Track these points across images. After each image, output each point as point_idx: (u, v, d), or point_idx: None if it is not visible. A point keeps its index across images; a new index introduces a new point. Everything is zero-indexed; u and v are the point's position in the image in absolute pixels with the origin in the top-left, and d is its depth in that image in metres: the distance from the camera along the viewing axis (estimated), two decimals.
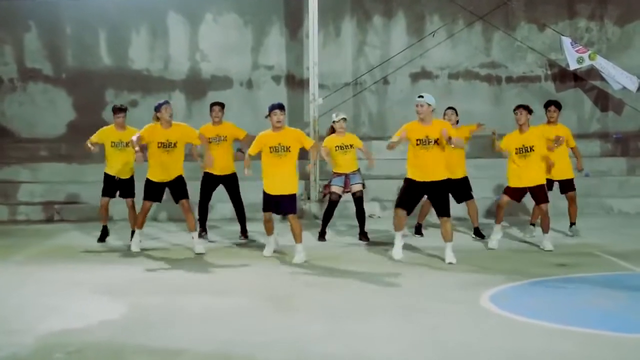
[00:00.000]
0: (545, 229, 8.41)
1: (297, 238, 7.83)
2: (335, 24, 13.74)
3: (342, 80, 13.43)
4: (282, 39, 13.74)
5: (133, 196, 9.05)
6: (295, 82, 13.72)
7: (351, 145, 9.03)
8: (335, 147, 9.01)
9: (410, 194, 7.72)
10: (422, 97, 7.63)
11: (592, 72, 13.33)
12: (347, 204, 9.89)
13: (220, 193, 9.52)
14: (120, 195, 9.13)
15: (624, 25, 13.87)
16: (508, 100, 13.79)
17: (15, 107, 13.72)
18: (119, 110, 9.09)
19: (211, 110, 9.34)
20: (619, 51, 13.68)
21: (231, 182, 9.27)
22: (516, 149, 8.39)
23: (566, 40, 12.78)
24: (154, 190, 8.37)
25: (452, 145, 7.61)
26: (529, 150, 8.31)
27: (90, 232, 9.68)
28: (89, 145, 8.97)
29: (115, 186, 9.08)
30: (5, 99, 13.73)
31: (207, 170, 9.16)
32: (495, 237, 8.48)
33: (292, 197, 7.88)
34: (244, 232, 9.34)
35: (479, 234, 9.11)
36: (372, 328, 5.33)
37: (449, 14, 13.47)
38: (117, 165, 9.00)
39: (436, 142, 7.49)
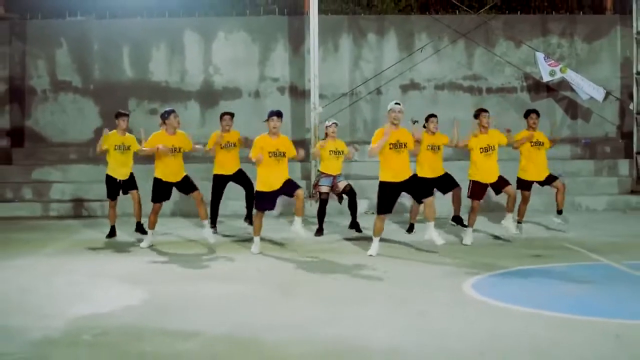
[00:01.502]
0: (510, 210, 8.36)
1: (299, 212, 7.69)
2: (334, 40, 13.73)
3: (339, 91, 13.41)
4: (286, 54, 13.73)
5: (137, 188, 8.98)
6: (298, 93, 13.70)
7: (342, 152, 9.01)
8: (330, 151, 8.99)
9: (388, 197, 7.54)
10: (399, 104, 7.50)
11: (563, 84, 13.32)
12: (344, 202, 9.86)
13: (231, 191, 9.52)
14: (124, 192, 9.00)
15: (591, 42, 13.85)
16: (488, 108, 13.69)
17: (48, 115, 13.71)
18: (123, 115, 9.01)
19: (222, 119, 9.28)
20: (587, 65, 13.67)
21: (240, 176, 9.24)
22: (481, 148, 8.30)
23: (540, 55, 12.77)
24: (162, 190, 8.18)
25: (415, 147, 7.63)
26: (492, 149, 8.29)
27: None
28: (102, 148, 8.85)
29: (118, 187, 8.96)
30: (39, 108, 13.72)
31: (217, 172, 9.14)
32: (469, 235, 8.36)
33: (290, 180, 7.78)
34: (249, 217, 9.27)
35: (458, 220, 9.06)
36: (366, 313, 5.33)
37: (436, 32, 13.45)
38: (119, 167, 8.88)
39: (405, 145, 7.46)
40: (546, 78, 12.76)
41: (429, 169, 8.82)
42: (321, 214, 9.08)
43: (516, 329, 4.84)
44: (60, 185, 12.36)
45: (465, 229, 8.54)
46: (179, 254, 7.89)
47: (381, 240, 7.73)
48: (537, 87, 13.74)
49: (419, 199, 7.78)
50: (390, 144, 7.44)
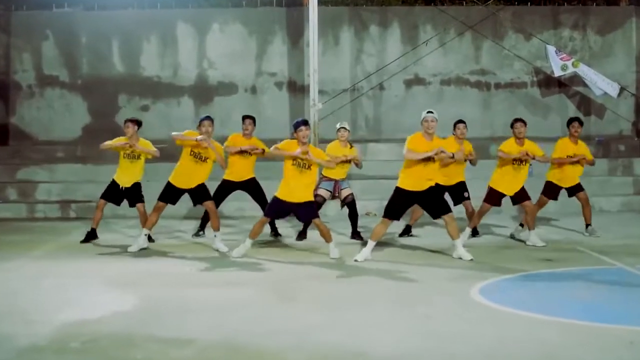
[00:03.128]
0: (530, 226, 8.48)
1: (327, 238, 7.76)
2: (334, 33, 13.76)
3: (340, 87, 13.44)
4: (284, 47, 13.76)
5: (142, 201, 8.78)
6: (297, 88, 13.74)
7: (349, 161, 8.84)
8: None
9: (402, 204, 7.56)
10: (432, 112, 7.47)
11: (575, 79, 13.36)
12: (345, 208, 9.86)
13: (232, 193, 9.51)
14: (130, 205, 8.85)
15: (605, 35, 13.89)
16: (496, 105, 13.86)
17: (34, 111, 13.75)
18: (128, 121, 8.72)
19: (243, 122, 9.10)
20: (601, 59, 13.72)
21: (252, 186, 9.09)
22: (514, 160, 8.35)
23: (551, 49, 12.81)
24: (172, 194, 8.23)
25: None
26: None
27: (104, 229, 9.68)
28: (107, 146, 8.70)
29: (120, 195, 8.80)
30: (24, 104, 13.76)
31: (227, 178, 9.04)
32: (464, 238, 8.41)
33: (310, 204, 7.79)
34: (274, 229, 9.23)
35: (474, 232, 9.03)
36: (368, 318, 5.36)
37: (441, 24, 13.49)
38: (125, 175, 8.74)
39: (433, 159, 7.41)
40: (557, 73, 12.81)
41: (443, 175, 8.78)
42: None
43: (525, 335, 4.86)
44: (46, 185, 12.39)
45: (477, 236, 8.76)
46: (173, 257, 7.92)
47: (383, 243, 7.74)
48: (548, 82, 13.77)
49: (435, 216, 7.74)
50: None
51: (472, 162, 8.95)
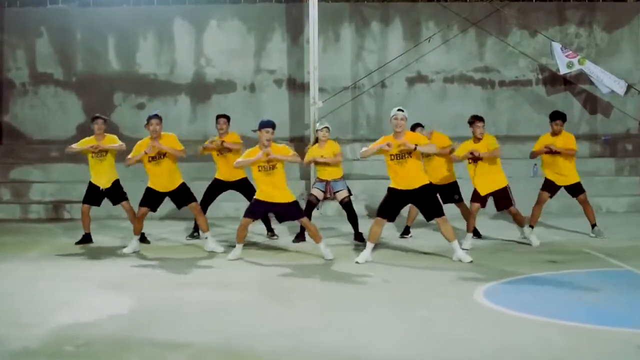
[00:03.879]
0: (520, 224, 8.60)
1: (316, 239, 7.83)
2: (335, 30, 13.77)
3: (341, 84, 13.44)
4: (284, 44, 13.77)
5: (126, 199, 8.83)
6: (296, 86, 13.74)
7: (326, 162, 8.76)
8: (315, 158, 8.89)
9: (393, 203, 7.58)
10: (402, 110, 7.50)
11: (582, 76, 13.36)
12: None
13: (225, 192, 9.53)
14: (114, 204, 8.93)
15: (612, 31, 13.89)
16: (501, 103, 13.87)
17: (27, 110, 13.76)
18: (96, 118, 8.82)
19: (217, 122, 9.18)
20: (607, 56, 13.72)
21: (244, 186, 9.11)
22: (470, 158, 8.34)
23: (556, 46, 12.80)
24: (152, 199, 8.28)
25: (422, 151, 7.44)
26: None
27: (99, 231, 9.70)
28: (74, 148, 8.81)
29: (100, 195, 8.84)
30: (18, 102, 13.77)
31: (217, 177, 9.11)
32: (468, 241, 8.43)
33: (293, 204, 7.92)
34: (270, 230, 9.26)
35: (476, 234, 9.02)
36: (367, 320, 5.37)
37: (444, 20, 13.49)
38: (99, 175, 8.78)
39: (409, 153, 7.40)
40: (563, 70, 12.79)
41: (429, 173, 8.77)
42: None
43: (529, 339, 4.86)
44: (40, 185, 12.40)
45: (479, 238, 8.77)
46: (169, 259, 7.92)
47: (382, 244, 7.75)
48: (554, 80, 13.78)
49: (428, 218, 7.74)
50: (391, 155, 7.44)
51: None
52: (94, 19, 13.64)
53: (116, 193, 8.85)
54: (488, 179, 8.35)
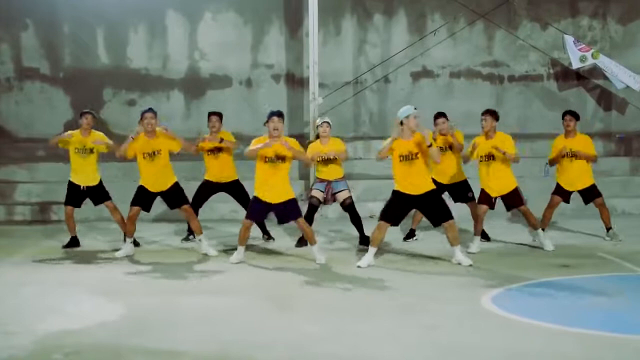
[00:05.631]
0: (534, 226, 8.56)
1: (311, 240, 7.89)
2: (336, 22, 13.78)
3: (342, 79, 13.44)
4: (282, 37, 13.77)
5: (109, 198, 8.85)
6: (295, 81, 13.74)
7: (334, 158, 8.71)
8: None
9: (398, 207, 7.60)
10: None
11: (595, 71, 13.37)
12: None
13: (220, 194, 9.53)
14: (95, 204, 8.97)
15: (627, 24, 13.90)
16: (510, 99, 13.87)
17: (12, 106, 13.74)
18: (84, 113, 8.86)
19: (208, 120, 9.19)
20: (622, 50, 13.71)
21: (235, 189, 9.15)
22: (481, 156, 8.37)
23: (569, 39, 12.79)
24: (144, 198, 8.30)
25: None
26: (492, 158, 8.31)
27: (87, 233, 9.72)
28: (56, 142, 8.86)
29: (82, 195, 8.86)
30: (2, 98, 13.75)
31: (207, 178, 9.12)
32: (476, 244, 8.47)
33: (292, 202, 7.96)
34: (266, 232, 9.27)
35: (484, 236, 9.02)
36: (370, 328, 5.38)
37: (451, 12, 13.49)
38: (81, 173, 8.79)
39: (417, 155, 7.44)
40: (576, 64, 12.79)
41: (441, 172, 8.81)
42: (308, 221, 8.63)
43: (540, 347, 4.87)
44: (26, 185, 12.41)
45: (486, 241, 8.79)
46: (162, 263, 7.93)
47: (385, 248, 7.76)
48: (566, 75, 13.78)
49: (435, 223, 7.76)
50: (400, 156, 7.47)
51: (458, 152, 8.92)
52: (82, 10, 13.61)
53: (98, 193, 8.86)
54: (500, 181, 8.37)
